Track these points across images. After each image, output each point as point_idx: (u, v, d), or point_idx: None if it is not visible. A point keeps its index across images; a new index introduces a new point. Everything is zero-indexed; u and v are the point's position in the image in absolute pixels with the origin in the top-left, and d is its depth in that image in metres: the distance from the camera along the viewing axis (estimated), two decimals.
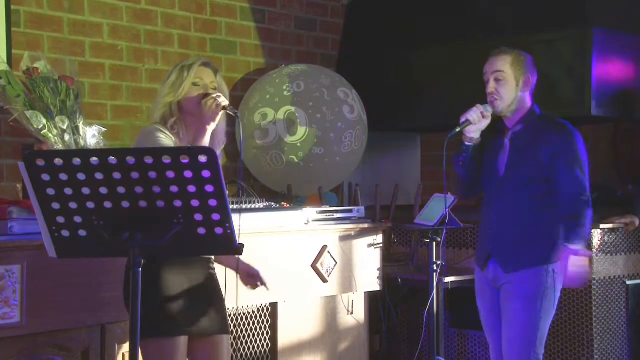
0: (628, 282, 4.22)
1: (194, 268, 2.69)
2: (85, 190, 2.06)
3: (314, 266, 3.68)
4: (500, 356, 3.20)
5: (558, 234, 3.05)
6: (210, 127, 2.72)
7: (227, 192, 2.09)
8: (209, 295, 2.72)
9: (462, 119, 3.10)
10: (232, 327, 3.41)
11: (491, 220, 3.19)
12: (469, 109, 3.12)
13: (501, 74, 3.12)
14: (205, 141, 2.70)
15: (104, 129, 3.58)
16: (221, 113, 2.73)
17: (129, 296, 2.57)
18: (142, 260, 2.14)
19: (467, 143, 3.15)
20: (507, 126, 3.19)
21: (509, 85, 3.12)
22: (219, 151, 2.84)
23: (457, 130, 3.10)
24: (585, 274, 3.03)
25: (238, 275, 2.88)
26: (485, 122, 3.12)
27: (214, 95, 2.71)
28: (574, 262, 2.98)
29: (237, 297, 3.12)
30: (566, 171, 3.10)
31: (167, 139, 2.69)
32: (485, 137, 3.19)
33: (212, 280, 2.76)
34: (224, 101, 2.72)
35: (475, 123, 3.10)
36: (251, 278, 2.88)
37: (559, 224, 3.06)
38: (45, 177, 2.05)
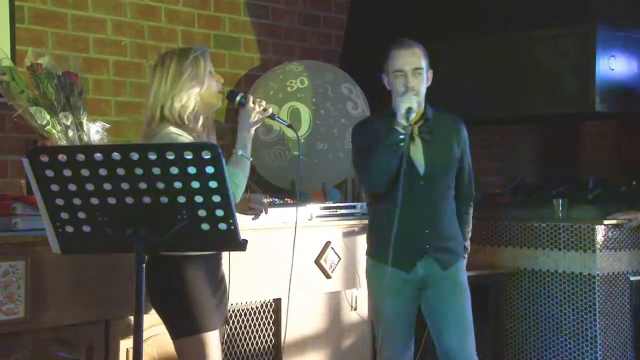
0: (632, 278, 4.21)
1: (212, 261, 2.71)
2: (89, 186, 2.06)
3: (317, 262, 3.69)
4: (399, 354, 3.14)
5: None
6: (253, 130, 2.74)
7: (230, 188, 2.10)
8: (223, 286, 2.76)
9: (404, 107, 2.98)
10: (236, 322, 3.42)
11: (422, 218, 3.08)
12: (407, 95, 3.01)
13: (420, 70, 3.07)
14: (250, 146, 2.71)
15: (107, 125, 3.58)
16: (259, 115, 2.74)
17: (154, 292, 2.60)
18: (146, 256, 2.15)
19: (405, 132, 2.97)
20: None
21: (424, 81, 3.10)
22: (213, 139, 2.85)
23: (410, 116, 2.96)
24: None
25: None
26: (413, 115, 3.05)
27: (258, 100, 2.73)
28: None
29: (241, 293, 3.13)
30: (469, 163, 3.24)
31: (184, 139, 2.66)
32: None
33: (221, 270, 2.79)
34: (270, 108, 2.75)
35: (415, 111, 3.01)
36: (255, 204, 2.91)
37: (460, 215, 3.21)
38: (49, 173, 2.05)
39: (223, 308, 2.73)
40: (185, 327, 2.61)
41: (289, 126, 2.98)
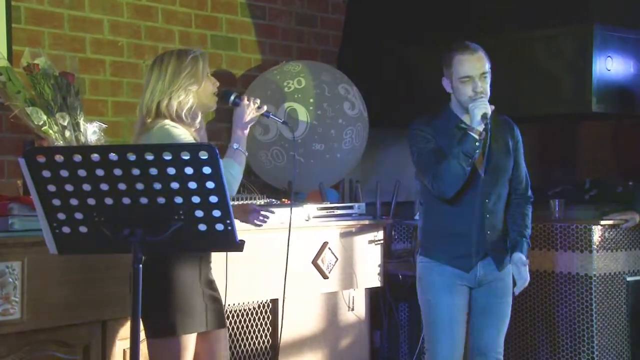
0: (628, 279, 4.22)
1: (201, 263, 2.69)
2: (86, 187, 2.06)
3: (314, 262, 3.69)
4: (454, 353, 3.14)
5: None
6: (248, 129, 2.76)
7: (227, 189, 2.09)
8: (214, 290, 2.74)
9: (479, 114, 2.97)
10: (233, 323, 3.42)
11: (483, 219, 3.11)
12: (480, 100, 3.00)
13: (486, 74, 3.08)
14: (244, 142, 2.73)
15: (104, 125, 3.58)
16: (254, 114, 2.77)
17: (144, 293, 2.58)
18: (143, 257, 2.15)
19: (478, 137, 2.99)
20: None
21: (488, 83, 3.10)
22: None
23: (487, 122, 2.97)
24: None
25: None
26: None
27: (253, 99, 2.75)
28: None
29: (238, 293, 3.12)
30: (524, 166, 3.27)
31: (186, 135, 2.68)
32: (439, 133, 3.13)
33: (211, 274, 2.77)
34: (264, 106, 2.77)
35: (489, 116, 3.02)
36: (255, 213, 2.95)
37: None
38: (46, 173, 2.05)
39: (214, 311, 2.69)
40: (160, 328, 2.60)
41: (284, 123, 2.99)
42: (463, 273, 3.12)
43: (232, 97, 2.79)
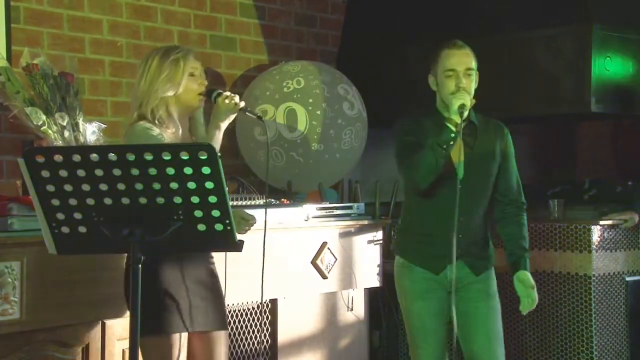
0: (627, 279, 4.22)
1: (193, 263, 2.69)
2: (85, 187, 2.06)
3: (314, 262, 3.69)
4: (435, 357, 3.11)
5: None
6: (224, 125, 2.74)
7: (226, 189, 2.10)
8: (207, 290, 2.72)
9: (457, 104, 2.95)
10: (231, 323, 3.42)
11: (456, 222, 2.98)
12: (460, 92, 2.99)
13: (471, 70, 3.05)
14: (219, 139, 2.72)
15: (103, 126, 3.58)
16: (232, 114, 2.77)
17: (127, 289, 2.59)
18: (142, 257, 2.15)
19: (456, 130, 2.96)
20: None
21: (474, 82, 3.07)
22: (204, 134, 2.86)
23: (464, 113, 2.93)
24: None
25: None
26: (467, 113, 3.02)
27: (231, 95, 2.74)
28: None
29: (237, 293, 3.12)
30: (515, 170, 3.21)
31: (161, 137, 2.68)
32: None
33: (211, 275, 2.76)
34: (242, 101, 2.75)
35: (468, 109, 2.99)
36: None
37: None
38: (45, 173, 2.05)
39: (199, 312, 2.68)
40: (148, 326, 2.60)
41: (259, 118, 2.93)
42: (434, 275, 3.07)
43: (214, 95, 2.79)
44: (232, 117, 2.76)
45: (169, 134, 2.73)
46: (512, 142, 3.22)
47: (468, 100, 2.98)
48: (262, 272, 2.93)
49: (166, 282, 2.63)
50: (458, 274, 3.05)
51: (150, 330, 2.59)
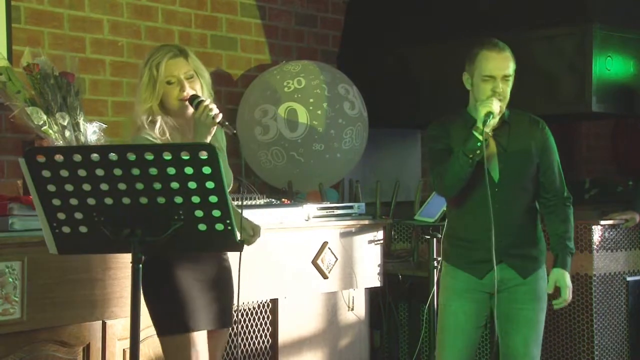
0: (628, 279, 4.22)
1: (206, 260, 2.69)
2: (86, 187, 2.06)
3: (314, 262, 3.69)
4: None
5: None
6: (209, 139, 2.62)
7: (227, 189, 2.10)
8: (220, 288, 2.73)
9: (483, 111, 2.88)
10: (233, 323, 3.42)
11: (498, 225, 2.92)
12: (487, 100, 2.91)
13: (509, 77, 2.97)
14: None
15: (104, 125, 3.58)
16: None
17: (146, 291, 2.59)
18: (143, 257, 2.15)
19: (481, 138, 2.87)
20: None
21: (510, 86, 3.00)
22: (210, 137, 2.78)
23: (488, 121, 2.87)
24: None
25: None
26: (495, 120, 2.96)
27: (207, 104, 2.59)
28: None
29: (238, 293, 3.12)
30: (557, 163, 3.11)
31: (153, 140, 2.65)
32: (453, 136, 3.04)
33: (224, 271, 2.76)
34: (219, 114, 2.60)
35: (495, 117, 2.92)
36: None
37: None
38: (46, 173, 2.05)
39: (217, 310, 2.70)
40: (170, 326, 2.61)
41: (234, 134, 2.81)
42: (477, 279, 3.01)
43: (194, 103, 2.64)
44: (213, 130, 2.64)
45: (162, 140, 2.65)
46: (551, 135, 3.12)
47: (495, 107, 2.90)
48: (239, 276, 2.86)
49: (181, 281, 2.62)
50: (503, 276, 2.98)
51: (173, 330, 2.60)
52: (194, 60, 2.72)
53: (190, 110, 2.67)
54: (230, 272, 2.78)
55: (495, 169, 3.00)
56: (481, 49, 2.98)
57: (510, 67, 2.97)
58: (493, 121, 2.91)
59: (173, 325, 2.60)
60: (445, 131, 3.06)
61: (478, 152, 2.88)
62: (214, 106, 2.61)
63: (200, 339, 2.63)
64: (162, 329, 2.64)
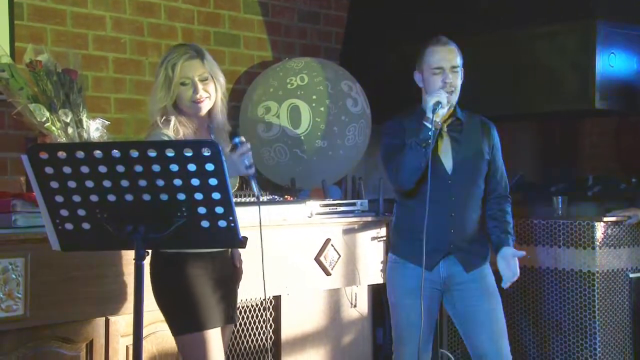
0: (631, 275, 4.21)
1: (218, 257, 2.70)
2: (89, 184, 2.06)
3: (317, 259, 3.69)
4: (416, 355, 3.10)
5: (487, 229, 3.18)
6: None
7: (230, 186, 2.10)
8: (229, 284, 2.77)
9: (432, 101, 2.98)
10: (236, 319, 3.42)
11: (447, 218, 3.06)
12: (435, 92, 3.01)
13: (457, 68, 3.08)
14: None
15: (107, 122, 3.58)
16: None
17: (156, 289, 2.60)
18: (146, 254, 2.15)
19: (432, 128, 2.96)
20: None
21: (460, 79, 3.09)
22: (226, 137, 2.77)
23: (437, 111, 2.95)
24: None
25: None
26: (446, 110, 3.05)
27: (244, 150, 2.58)
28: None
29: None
30: (502, 166, 3.22)
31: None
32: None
33: (234, 268, 2.81)
34: (252, 166, 2.60)
35: (444, 107, 3.00)
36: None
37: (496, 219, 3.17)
38: (49, 170, 2.05)
39: (227, 307, 2.72)
40: (185, 325, 2.62)
41: (257, 197, 2.84)
42: (427, 273, 3.02)
43: (234, 141, 2.62)
44: (239, 174, 2.66)
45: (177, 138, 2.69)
46: (498, 138, 3.23)
47: (444, 98, 2.99)
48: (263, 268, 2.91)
49: (196, 278, 2.63)
50: (450, 271, 3.09)
51: (188, 328, 2.61)
52: (210, 63, 2.73)
53: (204, 111, 2.70)
54: (241, 267, 2.84)
55: (448, 162, 3.09)
56: (427, 45, 3.13)
57: (457, 59, 3.09)
58: (442, 111, 3.00)
59: (189, 324, 2.61)
60: (401, 127, 3.14)
61: (429, 141, 2.96)
62: (250, 154, 2.59)
63: (215, 336, 2.64)
64: (178, 329, 2.64)
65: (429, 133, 2.95)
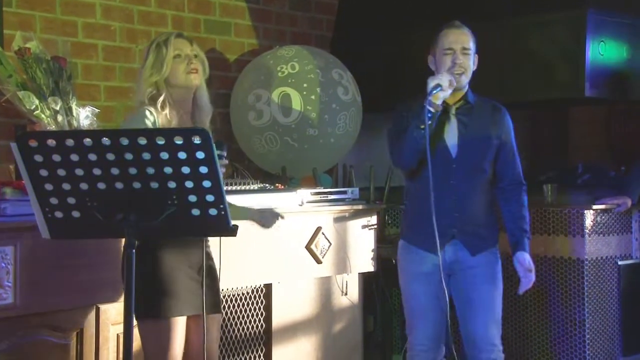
0: (620, 263, 4.24)
1: (190, 247, 2.70)
2: (79, 171, 2.05)
3: (308, 247, 3.69)
4: (430, 340, 3.14)
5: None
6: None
7: (221, 173, 2.09)
8: (206, 274, 2.74)
9: (432, 83, 2.97)
10: (226, 308, 3.42)
11: (452, 201, 3.07)
12: (438, 74, 3.02)
13: (468, 50, 3.09)
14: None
15: (97, 110, 3.57)
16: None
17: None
18: (136, 241, 2.15)
19: (432, 110, 2.96)
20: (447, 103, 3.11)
21: (471, 62, 3.11)
22: (207, 122, 2.85)
23: (434, 92, 2.94)
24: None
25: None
26: (449, 93, 3.03)
27: (224, 163, 2.65)
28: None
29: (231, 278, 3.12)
30: (515, 151, 3.22)
31: (149, 120, 2.70)
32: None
33: (208, 258, 2.78)
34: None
35: (445, 90, 2.99)
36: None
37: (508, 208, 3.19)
38: (38, 158, 2.04)
39: (200, 296, 2.68)
40: (147, 310, 2.61)
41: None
42: (434, 256, 3.00)
43: (218, 150, 2.65)
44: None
45: (164, 116, 2.71)
46: (511, 123, 3.22)
47: (445, 81, 2.98)
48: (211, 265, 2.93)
49: (164, 266, 2.63)
50: (455, 256, 3.10)
51: (149, 314, 2.61)
52: (197, 48, 2.85)
53: (197, 81, 2.79)
54: (213, 258, 2.83)
55: (454, 145, 3.10)
56: (442, 29, 3.15)
57: (470, 42, 3.11)
58: (443, 93, 2.98)
59: (151, 308, 2.61)
60: (405, 109, 3.15)
61: (430, 122, 2.97)
62: (225, 163, 2.68)
63: (178, 325, 2.64)
64: (141, 313, 2.62)
65: (429, 115, 2.95)
